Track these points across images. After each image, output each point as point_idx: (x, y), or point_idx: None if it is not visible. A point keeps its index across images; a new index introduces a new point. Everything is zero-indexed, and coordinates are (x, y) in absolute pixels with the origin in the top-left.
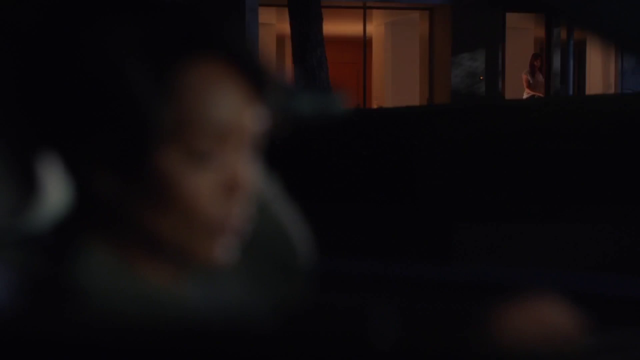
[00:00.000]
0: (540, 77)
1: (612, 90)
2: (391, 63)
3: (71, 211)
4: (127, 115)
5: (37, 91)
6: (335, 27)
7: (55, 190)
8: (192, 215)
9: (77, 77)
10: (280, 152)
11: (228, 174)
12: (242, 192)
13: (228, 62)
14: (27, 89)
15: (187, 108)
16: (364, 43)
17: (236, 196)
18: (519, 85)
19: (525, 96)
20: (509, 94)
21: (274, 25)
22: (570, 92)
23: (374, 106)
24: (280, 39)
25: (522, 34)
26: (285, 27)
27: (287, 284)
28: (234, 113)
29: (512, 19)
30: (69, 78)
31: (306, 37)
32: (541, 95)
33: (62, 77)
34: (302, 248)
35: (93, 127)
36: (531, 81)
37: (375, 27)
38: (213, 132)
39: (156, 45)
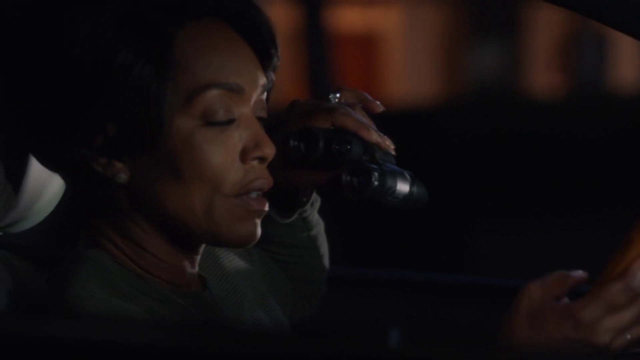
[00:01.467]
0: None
1: None
2: (406, 56)
3: (71, 209)
4: (128, 96)
5: (28, 87)
6: (345, 18)
7: (52, 188)
8: (216, 185)
9: (68, 65)
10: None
11: (247, 136)
12: (264, 154)
13: (231, 25)
14: (18, 86)
15: (194, 75)
16: (375, 36)
17: (259, 158)
18: (541, 80)
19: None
20: (530, 89)
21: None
22: (596, 88)
23: None
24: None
25: (544, 24)
26: (286, 25)
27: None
28: (243, 75)
29: (533, 8)
30: (59, 68)
31: (307, 27)
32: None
33: (52, 69)
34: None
35: (95, 115)
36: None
37: (389, 18)
38: (224, 96)
39: (151, 16)
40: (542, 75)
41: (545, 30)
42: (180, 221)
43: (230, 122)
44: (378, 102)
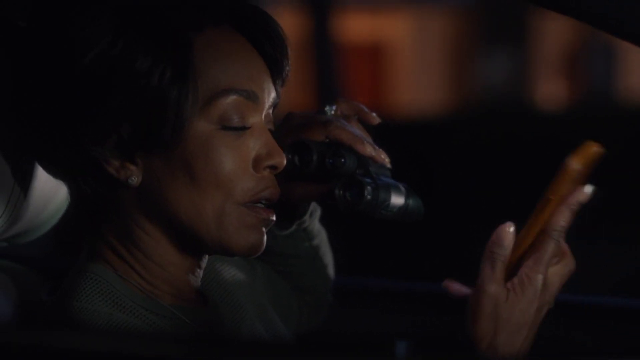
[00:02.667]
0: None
1: None
2: (414, 65)
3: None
4: (146, 99)
5: (42, 87)
6: (354, 27)
7: (59, 193)
8: (229, 191)
9: (83, 67)
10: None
11: (260, 145)
12: (276, 162)
13: (247, 35)
14: (29, 91)
15: (212, 80)
16: (384, 45)
17: (270, 166)
18: (549, 90)
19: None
20: (539, 99)
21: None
22: (605, 97)
23: None
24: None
25: (552, 34)
26: (294, 34)
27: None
28: (258, 84)
29: (542, 18)
30: (74, 70)
31: (316, 36)
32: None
33: (67, 70)
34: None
35: (110, 116)
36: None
37: (398, 27)
38: (240, 103)
39: (169, 21)
40: (550, 85)
41: (554, 40)
42: (189, 225)
43: (244, 129)
44: (374, 114)
